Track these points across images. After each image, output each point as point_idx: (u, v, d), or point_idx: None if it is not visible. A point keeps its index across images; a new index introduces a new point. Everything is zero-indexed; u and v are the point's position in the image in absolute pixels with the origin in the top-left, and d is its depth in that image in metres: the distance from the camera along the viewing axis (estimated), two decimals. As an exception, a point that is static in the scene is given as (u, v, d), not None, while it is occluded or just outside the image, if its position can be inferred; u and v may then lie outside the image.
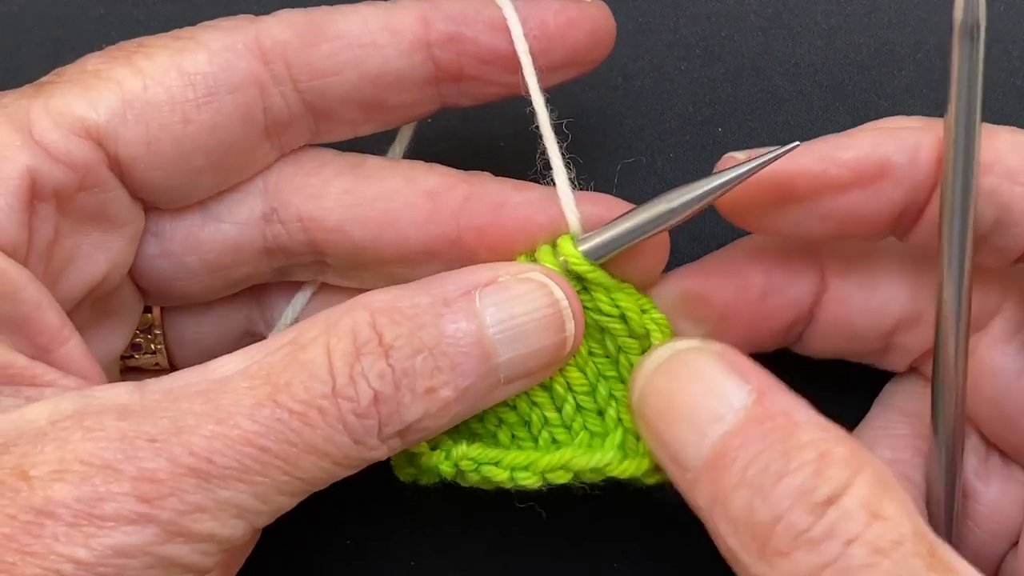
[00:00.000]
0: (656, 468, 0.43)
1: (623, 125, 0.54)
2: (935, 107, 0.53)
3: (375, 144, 0.47)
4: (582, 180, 0.54)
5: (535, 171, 0.45)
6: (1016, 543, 0.46)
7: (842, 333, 0.47)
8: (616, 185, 0.54)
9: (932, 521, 0.46)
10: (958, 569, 0.36)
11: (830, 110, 0.53)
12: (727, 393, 0.40)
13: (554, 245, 0.44)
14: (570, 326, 0.42)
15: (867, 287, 0.46)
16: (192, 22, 0.55)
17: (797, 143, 0.42)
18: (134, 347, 0.48)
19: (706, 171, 0.53)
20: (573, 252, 0.43)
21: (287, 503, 0.39)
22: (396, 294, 0.40)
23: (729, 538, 0.38)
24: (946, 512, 0.45)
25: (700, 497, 0.40)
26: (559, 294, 0.42)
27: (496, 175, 0.46)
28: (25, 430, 0.37)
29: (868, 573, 0.35)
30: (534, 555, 0.49)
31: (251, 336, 0.49)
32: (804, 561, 0.36)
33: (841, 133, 0.44)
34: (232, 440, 0.37)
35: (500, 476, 0.44)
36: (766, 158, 0.42)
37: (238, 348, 0.48)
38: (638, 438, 0.44)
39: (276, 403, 0.38)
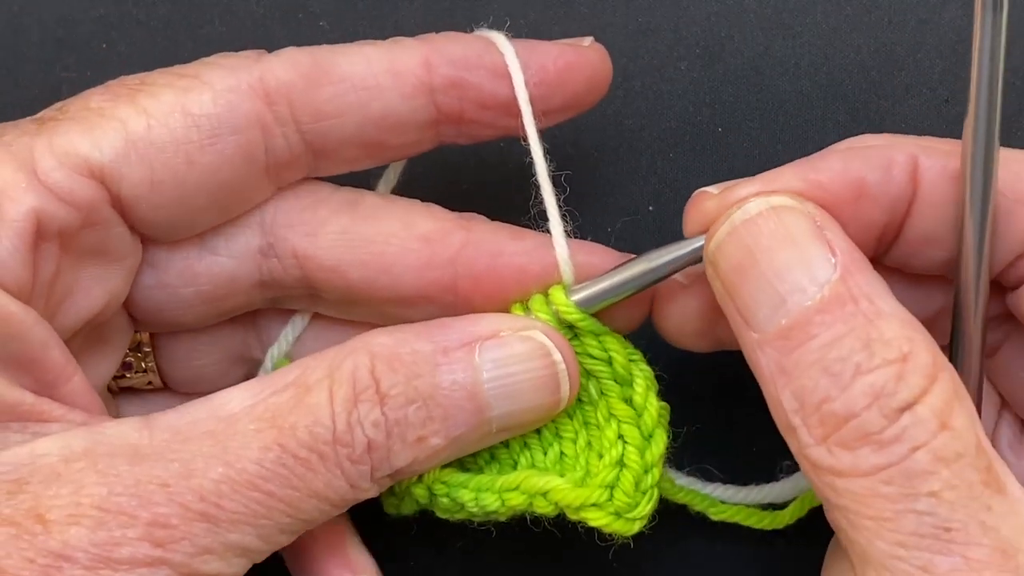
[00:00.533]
0: (596, 506, 0.44)
1: (623, 125, 0.54)
2: (935, 107, 0.53)
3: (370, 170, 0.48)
4: (583, 183, 0.54)
5: (533, 181, 0.45)
6: None
7: None
8: (617, 188, 0.54)
9: None
10: (1009, 489, 0.37)
11: (830, 110, 0.53)
12: (813, 263, 0.39)
13: (547, 294, 0.44)
14: (565, 388, 0.43)
15: (906, 281, 0.46)
16: (192, 22, 0.55)
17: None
18: (124, 366, 0.48)
19: (706, 171, 0.53)
20: (564, 302, 0.44)
21: (286, 541, 0.40)
22: (398, 338, 0.41)
23: (791, 413, 0.38)
24: None
25: (764, 362, 0.39)
26: (557, 356, 0.42)
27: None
28: (38, 467, 0.38)
29: (926, 479, 0.36)
30: (534, 555, 0.50)
31: (244, 357, 0.49)
32: (867, 459, 0.37)
33: (806, 158, 0.43)
34: (240, 485, 0.38)
35: (466, 497, 0.44)
36: None
37: (231, 368, 0.49)
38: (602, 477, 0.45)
39: (282, 447, 0.39)
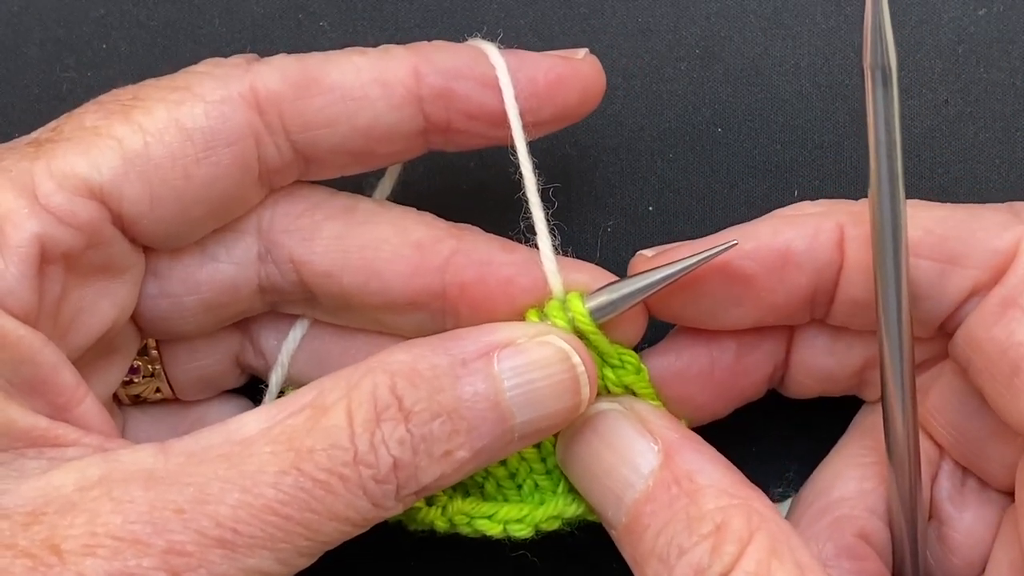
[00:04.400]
0: None
1: (623, 125, 0.54)
2: (935, 107, 0.53)
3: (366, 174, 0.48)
4: (583, 182, 0.54)
5: (522, 195, 0.45)
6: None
7: (815, 376, 0.48)
8: (617, 188, 0.54)
9: (896, 554, 0.46)
10: None
11: (830, 110, 0.53)
12: (636, 457, 0.42)
13: (564, 301, 0.44)
14: (585, 391, 0.42)
15: (829, 330, 0.47)
16: (192, 22, 0.55)
17: (735, 241, 0.43)
18: (131, 371, 0.48)
19: (706, 171, 0.53)
20: (582, 311, 0.44)
21: (305, 563, 0.39)
22: (415, 354, 0.41)
23: None
24: (910, 546, 0.46)
25: (625, 555, 0.42)
26: (576, 359, 0.42)
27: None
28: (53, 498, 0.37)
29: None
30: (533, 555, 0.49)
31: (241, 363, 0.50)
32: None
33: (743, 224, 0.45)
34: (257, 509, 0.37)
35: (494, 530, 0.45)
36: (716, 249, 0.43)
37: (231, 368, 0.49)
38: None
39: (300, 471, 0.38)
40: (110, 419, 0.43)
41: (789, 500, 0.49)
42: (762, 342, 0.47)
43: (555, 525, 0.45)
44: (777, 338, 0.47)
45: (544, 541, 0.47)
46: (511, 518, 0.45)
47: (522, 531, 0.45)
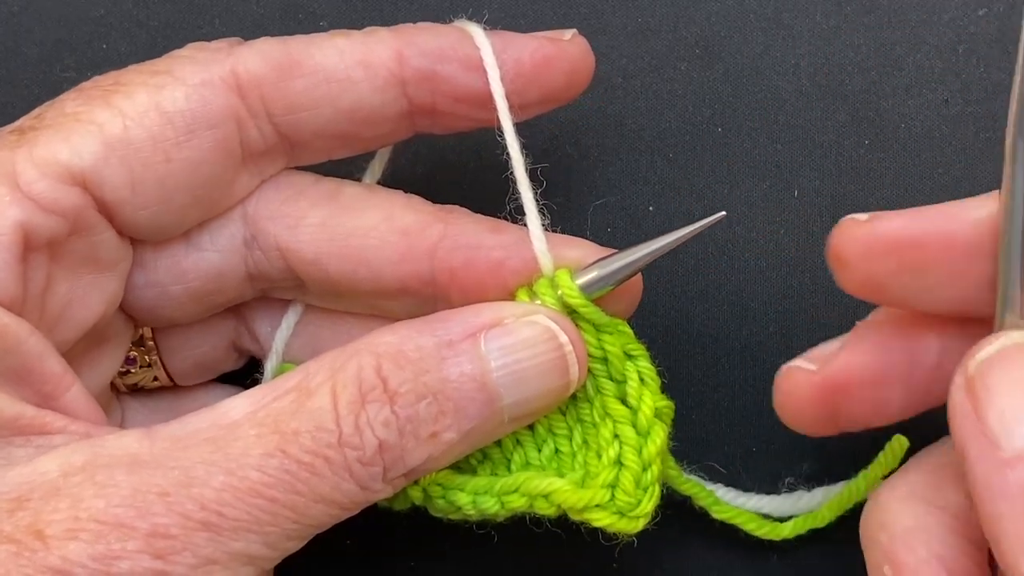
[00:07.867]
0: (599, 506, 0.44)
1: (623, 125, 0.54)
2: (935, 107, 0.53)
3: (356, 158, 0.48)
4: (583, 183, 0.54)
5: (510, 175, 0.45)
6: None
7: None
8: (617, 188, 0.54)
9: None
10: None
11: (830, 110, 0.53)
12: None
13: (553, 278, 0.44)
14: (574, 371, 0.42)
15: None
16: (192, 22, 0.55)
17: (723, 213, 0.42)
18: (129, 361, 0.48)
19: (706, 171, 0.54)
20: (569, 285, 0.43)
21: (295, 547, 0.39)
22: (402, 335, 0.41)
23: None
24: None
25: (1008, 483, 0.34)
26: (564, 339, 0.42)
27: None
28: (38, 484, 0.37)
29: None
30: (534, 555, 0.50)
31: (237, 347, 0.50)
32: None
33: (959, 201, 0.40)
34: (242, 492, 0.37)
35: (463, 500, 0.44)
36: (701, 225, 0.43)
37: (228, 353, 0.50)
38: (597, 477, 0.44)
39: (284, 453, 0.38)
40: (98, 407, 0.43)
41: (796, 493, 0.48)
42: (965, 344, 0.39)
43: (519, 501, 0.43)
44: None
45: (546, 537, 0.47)
46: (479, 488, 0.43)
47: (487, 503, 0.43)
